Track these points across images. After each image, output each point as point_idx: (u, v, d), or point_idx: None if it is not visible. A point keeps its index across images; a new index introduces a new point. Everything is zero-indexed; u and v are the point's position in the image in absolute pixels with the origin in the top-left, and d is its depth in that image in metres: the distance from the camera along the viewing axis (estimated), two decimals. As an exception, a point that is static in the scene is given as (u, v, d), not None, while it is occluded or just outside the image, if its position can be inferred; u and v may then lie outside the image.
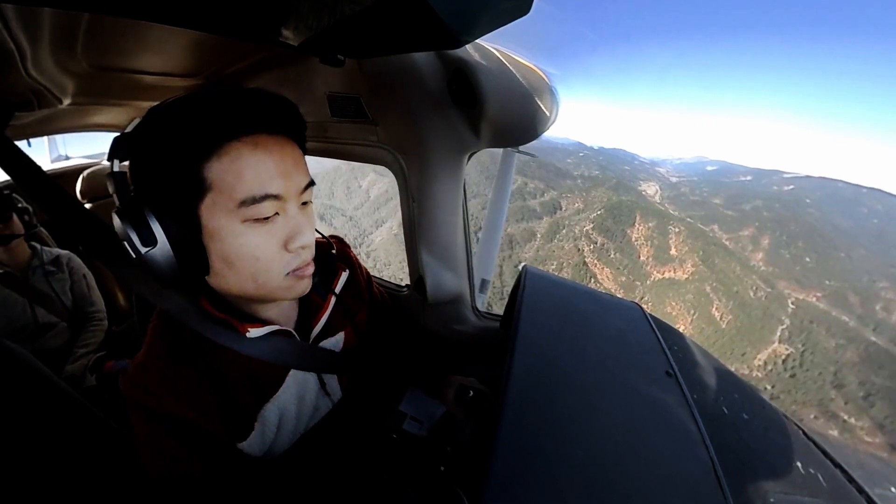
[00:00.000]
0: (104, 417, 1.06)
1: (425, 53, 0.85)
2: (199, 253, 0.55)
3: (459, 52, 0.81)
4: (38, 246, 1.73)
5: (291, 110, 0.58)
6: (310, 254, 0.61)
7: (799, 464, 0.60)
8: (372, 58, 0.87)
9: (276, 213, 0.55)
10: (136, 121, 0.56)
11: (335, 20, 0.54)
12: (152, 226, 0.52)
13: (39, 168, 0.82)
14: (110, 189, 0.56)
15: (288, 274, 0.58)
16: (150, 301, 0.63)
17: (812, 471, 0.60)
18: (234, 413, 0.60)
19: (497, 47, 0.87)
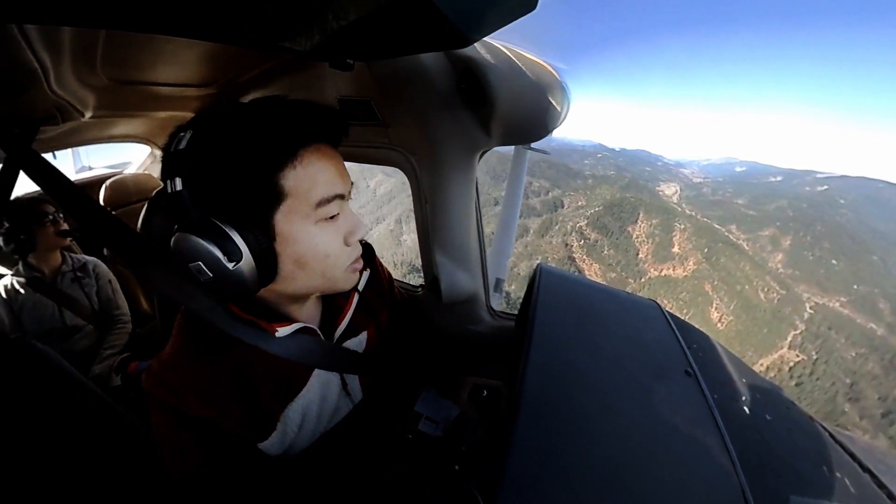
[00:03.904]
0: (129, 416, 1.10)
1: (434, 54, 0.85)
2: (273, 260, 0.56)
3: (468, 51, 0.81)
4: (66, 253, 1.80)
5: (344, 121, 0.62)
6: (360, 247, 0.65)
7: (825, 467, 0.58)
8: (381, 60, 0.87)
9: (338, 212, 0.59)
10: (187, 135, 0.54)
11: (343, 25, 0.54)
12: (235, 240, 0.51)
13: (67, 178, 0.86)
14: (156, 205, 0.55)
15: (348, 266, 0.62)
16: (177, 301, 0.64)
17: (839, 475, 0.58)
18: (258, 413, 0.61)
19: (506, 45, 0.86)
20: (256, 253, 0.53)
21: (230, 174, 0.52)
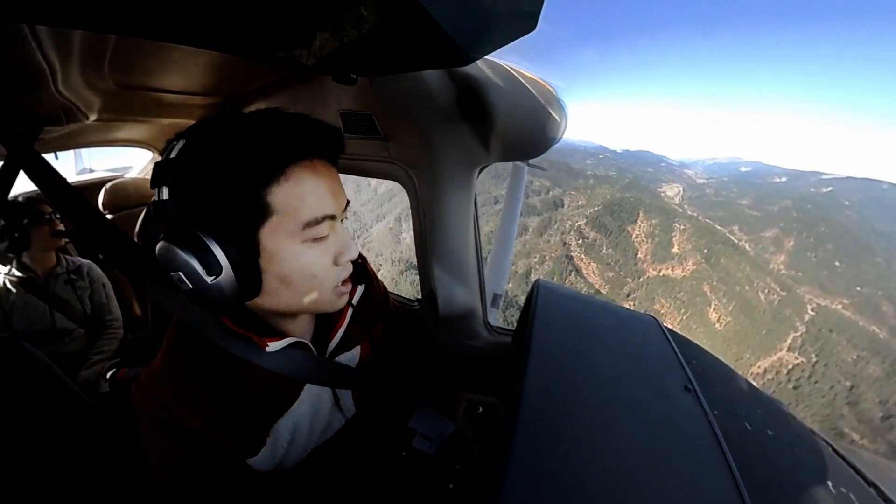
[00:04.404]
0: (115, 423, 1.07)
1: (435, 70, 0.87)
2: (256, 276, 0.55)
3: (468, 68, 0.82)
4: (61, 254, 1.79)
5: (340, 137, 0.60)
6: (351, 267, 0.63)
7: (829, 482, 0.57)
8: (384, 76, 0.88)
9: (328, 233, 0.57)
10: (179, 144, 0.53)
11: (348, 40, 0.55)
12: (216, 253, 0.50)
13: (65, 181, 0.86)
14: (151, 212, 0.53)
15: (335, 287, 0.60)
16: (169, 311, 0.64)
17: (843, 490, 0.57)
18: (247, 427, 0.60)
19: (506, 63, 0.88)
20: (238, 267, 0.52)
21: (214, 187, 0.51)
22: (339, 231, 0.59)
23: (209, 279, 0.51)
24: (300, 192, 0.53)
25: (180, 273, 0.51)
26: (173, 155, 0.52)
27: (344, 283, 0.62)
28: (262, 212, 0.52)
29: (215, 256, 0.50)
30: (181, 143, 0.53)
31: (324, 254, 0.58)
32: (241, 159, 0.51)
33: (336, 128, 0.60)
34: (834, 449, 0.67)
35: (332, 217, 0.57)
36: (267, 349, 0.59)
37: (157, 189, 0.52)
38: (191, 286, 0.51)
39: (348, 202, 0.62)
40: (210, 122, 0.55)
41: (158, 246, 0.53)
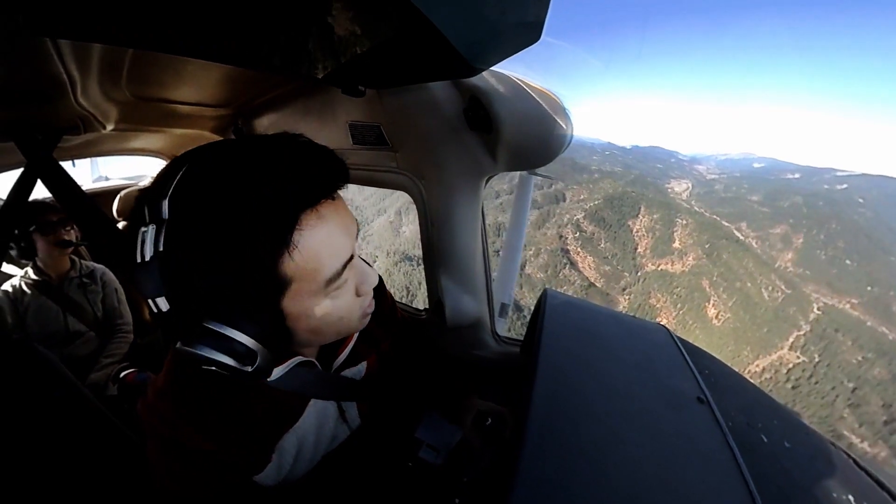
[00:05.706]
0: (122, 427, 1.08)
1: (442, 82, 0.88)
2: (287, 338, 0.54)
3: (475, 79, 0.83)
4: (76, 259, 1.82)
5: (342, 167, 0.52)
6: (372, 293, 0.62)
7: (851, 497, 0.54)
8: (391, 88, 0.90)
9: (349, 276, 0.55)
10: (150, 231, 0.43)
11: (356, 53, 0.56)
12: (246, 343, 0.47)
13: (80, 188, 0.88)
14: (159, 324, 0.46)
15: (360, 315, 0.60)
16: None
17: None
18: (252, 445, 0.59)
19: (512, 73, 0.89)
20: (270, 342, 0.49)
21: (220, 281, 0.45)
22: (356, 265, 0.56)
23: (248, 368, 0.48)
24: (315, 252, 0.48)
25: (213, 368, 0.47)
26: (148, 250, 0.43)
27: (369, 305, 0.62)
28: (280, 285, 0.48)
29: (246, 346, 0.47)
30: (150, 231, 0.44)
31: (347, 294, 0.56)
32: (236, 246, 0.43)
33: (334, 156, 0.52)
34: (856, 462, 0.64)
35: (351, 258, 0.53)
36: (271, 378, 0.57)
37: (151, 301, 0.45)
38: (229, 374, 0.48)
39: (358, 226, 0.58)
40: (180, 201, 0.45)
41: (180, 352, 0.47)
